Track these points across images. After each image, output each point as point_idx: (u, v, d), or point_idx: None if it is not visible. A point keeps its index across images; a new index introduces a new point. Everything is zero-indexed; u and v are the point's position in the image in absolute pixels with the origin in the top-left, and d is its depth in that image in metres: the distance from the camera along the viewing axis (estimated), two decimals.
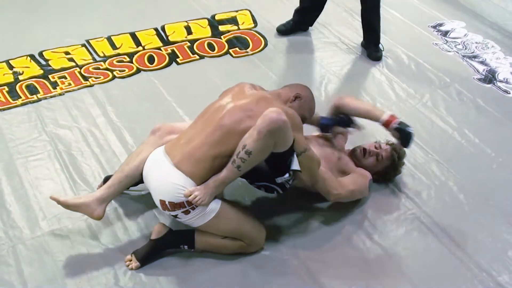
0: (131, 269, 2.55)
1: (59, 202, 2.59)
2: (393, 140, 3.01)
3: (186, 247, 2.60)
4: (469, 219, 2.95)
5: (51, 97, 3.56)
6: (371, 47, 4.19)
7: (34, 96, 3.56)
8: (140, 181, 2.76)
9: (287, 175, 2.52)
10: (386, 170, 3.03)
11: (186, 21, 4.31)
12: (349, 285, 2.57)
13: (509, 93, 3.93)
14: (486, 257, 2.74)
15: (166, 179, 2.45)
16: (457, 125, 3.57)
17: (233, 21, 4.48)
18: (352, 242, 2.78)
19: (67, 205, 2.59)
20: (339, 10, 4.75)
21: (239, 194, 2.92)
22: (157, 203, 2.51)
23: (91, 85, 3.68)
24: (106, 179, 2.81)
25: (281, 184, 2.55)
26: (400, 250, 2.75)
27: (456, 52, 4.33)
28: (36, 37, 4.11)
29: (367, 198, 2.96)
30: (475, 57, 4.29)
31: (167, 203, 2.45)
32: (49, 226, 2.73)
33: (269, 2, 4.79)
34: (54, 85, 3.66)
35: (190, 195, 2.39)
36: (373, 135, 3.26)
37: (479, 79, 4.05)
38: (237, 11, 4.59)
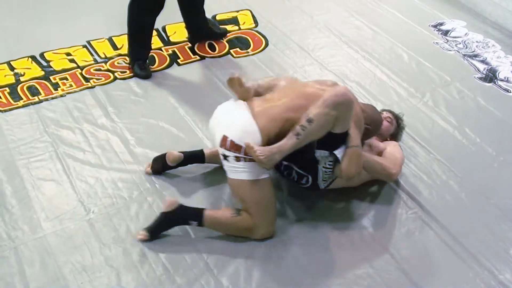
0: (140, 240, 2.65)
1: (237, 81, 2.71)
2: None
3: (195, 223, 2.66)
4: (471, 218, 2.95)
5: (53, 98, 3.56)
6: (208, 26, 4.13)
7: (36, 97, 3.56)
8: (188, 161, 2.98)
9: (327, 153, 2.62)
10: (395, 132, 3.25)
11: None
12: (350, 284, 2.58)
13: (510, 92, 3.93)
14: (488, 255, 2.74)
15: (241, 122, 2.59)
16: (458, 124, 3.57)
17: (234, 21, 4.48)
18: (354, 241, 2.78)
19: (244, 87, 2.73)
20: (340, 9, 4.75)
21: None
22: (219, 137, 2.60)
23: (92, 86, 3.68)
24: (156, 159, 3.02)
25: (315, 172, 2.66)
26: (402, 249, 2.75)
27: (457, 51, 4.33)
28: (37, 38, 4.11)
29: (369, 197, 2.97)
30: (475, 56, 4.29)
31: (228, 140, 2.55)
32: (51, 227, 2.73)
33: (270, 2, 4.80)
34: (56, 86, 3.66)
35: (252, 148, 2.47)
36: None
37: (480, 78, 4.04)
38: (238, 11, 4.59)
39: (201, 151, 3.02)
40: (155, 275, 2.55)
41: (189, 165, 3.03)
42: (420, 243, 2.80)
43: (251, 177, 2.58)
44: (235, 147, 2.54)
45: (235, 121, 2.61)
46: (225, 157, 2.59)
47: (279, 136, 2.56)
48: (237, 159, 2.55)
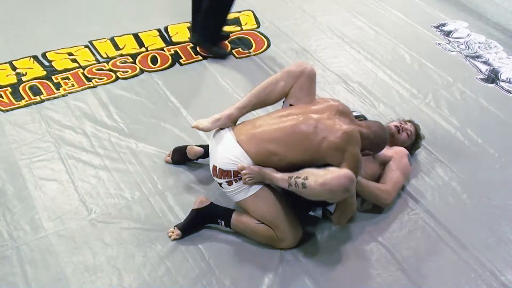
0: (173, 239, 2.69)
1: (200, 129, 2.73)
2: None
3: (223, 223, 2.70)
4: (473, 219, 2.95)
5: (54, 98, 3.56)
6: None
7: (38, 97, 3.56)
8: (207, 154, 2.92)
9: (320, 211, 2.68)
10: (411, 146, 3.18)
11: (189, 22, 4.31)
12: (351, 284, 2.58)
13: None
14: (489, 256, 2.75)
15: (226, 149, 2.59)
16: (460, 125, 3.57)
17: (236, 21, 4.48)
18: (355, 242, 2.78)
19: (209, 130, 2.73)
20: (342, 10, 4.75)
21: None
22: (211, 168, 2.66)
23: (94, 86, 3.68)
24: (176, 150, 3.11)
25: (308, 211, 2.70)
26: (404, 250, 2.75)
27: (459, 52, 4.33)
28: (39, 38, 4.11)
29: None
30: (478, 57, 4.29)
31: (217, 169, 2.60)
32: (52, 227, 2.73)
33: (272, 3, 4.80)
34: (58, 86, 3.67)
35: (243, 170, 2.52)
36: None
37: (482, 79, 4.05)
38: (240, 12, 4.59)
39: None
40: (157, 275, 2.55)
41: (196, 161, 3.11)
42: (421, 244, 2.80)
43: (248, 194, 2.60)
44: (224, 173, 2.58)
45: (221, 150, 2.61)
46: (220, 184, 2.65)
47: (267, 164, 2.56)
48: (229, 183, 2.60)
